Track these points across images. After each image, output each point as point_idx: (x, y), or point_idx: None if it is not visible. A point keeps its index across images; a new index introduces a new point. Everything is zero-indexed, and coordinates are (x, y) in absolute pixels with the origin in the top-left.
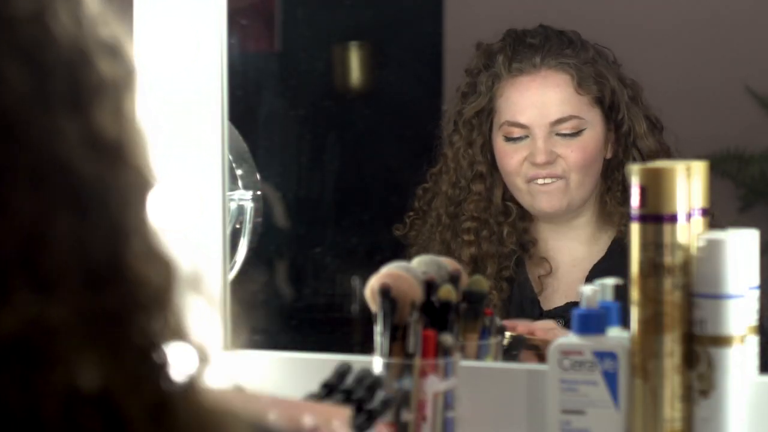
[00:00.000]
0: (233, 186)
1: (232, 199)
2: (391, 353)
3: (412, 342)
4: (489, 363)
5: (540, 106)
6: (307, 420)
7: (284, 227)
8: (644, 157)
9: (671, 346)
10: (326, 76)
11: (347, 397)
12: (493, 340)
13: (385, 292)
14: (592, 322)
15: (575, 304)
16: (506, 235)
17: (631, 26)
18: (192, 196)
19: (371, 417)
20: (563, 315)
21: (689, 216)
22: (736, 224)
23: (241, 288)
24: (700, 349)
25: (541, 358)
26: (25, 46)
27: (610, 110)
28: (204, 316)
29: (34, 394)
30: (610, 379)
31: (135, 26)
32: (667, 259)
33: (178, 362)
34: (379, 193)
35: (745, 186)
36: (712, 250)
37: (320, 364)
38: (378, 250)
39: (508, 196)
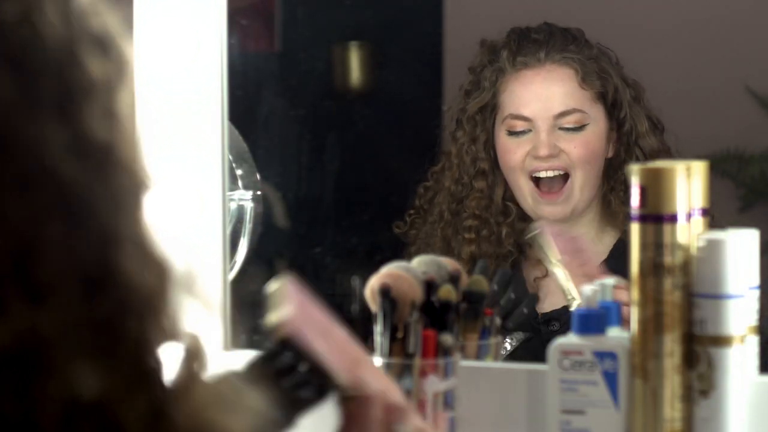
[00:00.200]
0: (233, 186)
1: (232, 199)
2: (391, 353)
3: (412, 342)
4: (489, 363)
5: (544, 99)
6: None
7: (284, 227)
8: (646, 157)
9: (671, 346)
10: (326, 76)
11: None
12: (493, 340)
13: (385, 292)
14: (592, 322)
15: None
16: (504, 236)
17: (630, 26)
18: (192, 196)
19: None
20: (559, 318)
21: (689, 216)
22: (736, 224)
23: (241, 288)
24: (700, 349)
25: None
26: (12, 51)
27: (612, 107)
28: (199, 318)
29: (31, 404)
30: (610, 379)
31: (135, 26)
32: (667, 259)
33: (174, 366)
34: (379, 193)
35: (745, 186)
36: (712, 250)
37: None
38: (378, 250)
39: (508, 196)
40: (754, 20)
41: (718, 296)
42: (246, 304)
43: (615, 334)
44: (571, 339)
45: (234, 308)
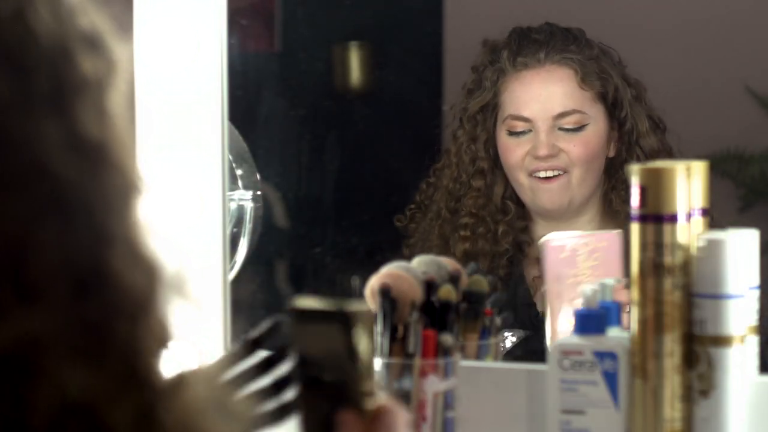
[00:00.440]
0: (233, 186)
1: (232, 199)
2: (391, 353)
3: (412, 342)
4: (489, 363)
5: (543, 99)
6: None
7: (284, 227)
8: (647, 156)
9: (671, 346)
10: (326, 76)
11: None
12: (493, 340)
13: (385, 292)
14: (592, 322)
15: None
16: (501, 234)
17: (631, 26)
18: (192, 196)
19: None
20: None
21: (689, 216)
22: (736, 224)
23: (241, 288)
24: (700, 349)
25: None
26: (5, 47)
27: (613, 107)
28: (190, 319)
29: (22, 406)
30: (610, 379)
31: (135, 26)
32: (667, 259)
33: (164, 368)
34: (379, 193)
35: (745, 186)
36: (712, 250)
37: None
38: (378, 250)
39: (508, 195)
40: (754, 20)
41: (718, 296)
42: (246, 304)
43: (615, 334)
44: (571, 339)
45: (234, 308)
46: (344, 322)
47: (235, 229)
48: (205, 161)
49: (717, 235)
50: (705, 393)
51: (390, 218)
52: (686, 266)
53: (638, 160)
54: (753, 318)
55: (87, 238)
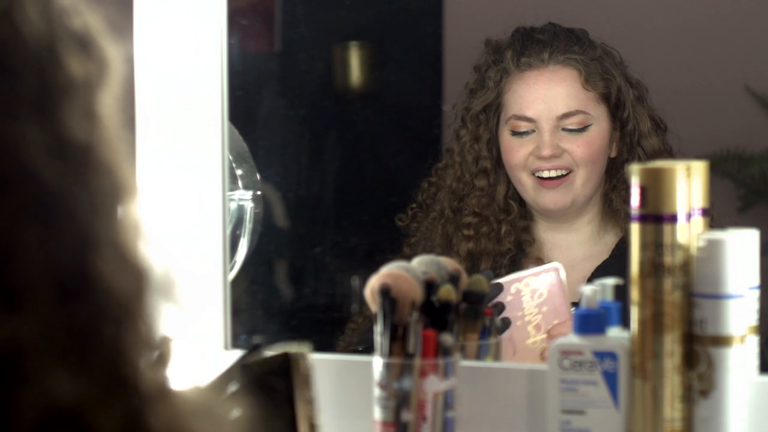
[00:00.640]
0: (233, 186)
1: (232, 199)
2: (391, 353)
3: (412, 342)
4: (489, 363)
5: (547, 100)
6: None
7: (284, 227)
8: (648, 157)
9: (671, 346)
10: (326, 76)
11: None
12: (493, 340)
13: (385, 292)
14: (592, 322)
15: (572, 305)
16: (504, 234)
17: (632, 27)
18: (192, 196)
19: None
20: None
21: (689, 216)
22: (736, 224)
23: (241, 288)
24: (700, 349)
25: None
26: None
27: (615, 108)
28: (177, 322)
29: (7, 411)
30: (610, 379)
31: (135, 26)
32: (667, 259)
33: (150, 372)
34: (379, 193)
35: (745, 186)
36: (712, 250)
37: (320, 364)
38: (378, 250)
39: (511, 194)
40: (754, 20)
41: (718, 296)
42: (246, 304)
43: (615, 334)
44: (571, 339)
45: (234, 308)
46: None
47: (235, 229)
48: (205, 161)
49: (717, 235)
50: (705, 393)
51: (390, 218)
52: (686, 266)
53: (639, 160)
54: (753, 318)
55: (72, 241)
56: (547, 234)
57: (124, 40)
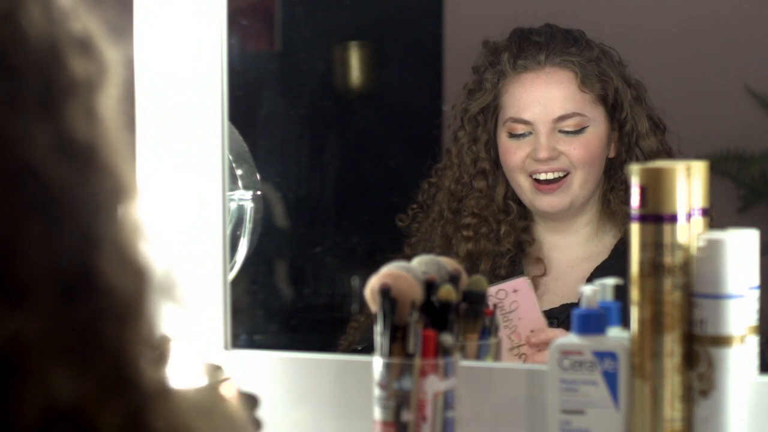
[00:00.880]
0: (233, 186)
1: (232, 199)
2: (391, 353)
3: (412, 342)
4: (489, 363)
5: (543, 102)
6: None
7: (284, 227)
8: (646, 157)
9: (671, 346)
10: (326, 76)
11: None
12: (493, 340)
13: (385, 292)
14: (592, 322)
15: (572, 305)
16: (503, 234)
17: (631, 26)
18: (192, 196)
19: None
20: (557, 316)
21: (689, 216)
22: (736, 224)
23: (241, 288)
24: (700, 349)
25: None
26: None
27: (613, 109)
28: (178, 322)
29: (8, 410)
30: (610, 379)
31: (135, 26)
32: (667, 259)
33: (151, 371)
34: (379, 193)
35: (745, 186)
36: (712, 250)
37: (320, 364)
38: (378, 250)
39: (509, 195)
40: (754, 20)
41: (718, 296)
42: (246, 304)
43: (615, 334)
44: (571, 339)
45: (234, 308)
46: None
47: (235, 229)
48: (205, 161)
49: (717, 235)
50: (705, 393)
51: (390, 218)
52: (686, 266)
53: (638, 160)
54: (753, 318)
55: (75, 240)
56: (546, 234)
57: (124, 41)
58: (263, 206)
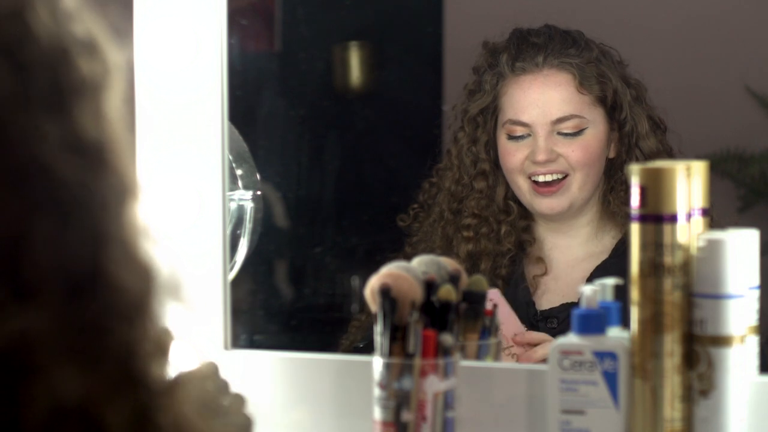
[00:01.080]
0: (233, 186)
1: (232, 199)
2: (391, 353)
3: (412, 342)
4: (489, 363)
5: (541, 105)
6: None
7: (284, 227)
8: (646, 158)
9: (671, 346)
10: (326, 76)
11: None
12: (493, 340)
13: (385, 292)
14: (592, 322)
15: (572, 304)
16: (504, 234)
17: (631, 26)
18: (192, 196)
19: None
20: (557, 316)
21: (689, 216)
22: (736, 224)
23: (241, 288)
24: (700, 349)
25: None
26: (5, 44)
27: (612, 110)
28: (183, 321)
29: (17, 406)
30: (610, 379)
31: (135, 26)
32: (667, 259)
33: (157, 368)
34: (379, 193)
35: (745, 186)
36: (712, 250)
37: (320, 364)
38: (378, 250)
39: (510, 195)
40: (754, 20)
41: (718, 296)
42: (246, 304)
43: (615, 334)
44: (571, 339)
45: (234, 308)
46: None
47: (235, 229)
48: (205, 161)
49: (717, 235)
50: (705, 393)
51: (390, 218)
52: (686, 266)
53: (638, 161)
54: (753, 318)
55: (82, 238)
56: (547, 234)
57: (125, 42)
58: (263, 206)
